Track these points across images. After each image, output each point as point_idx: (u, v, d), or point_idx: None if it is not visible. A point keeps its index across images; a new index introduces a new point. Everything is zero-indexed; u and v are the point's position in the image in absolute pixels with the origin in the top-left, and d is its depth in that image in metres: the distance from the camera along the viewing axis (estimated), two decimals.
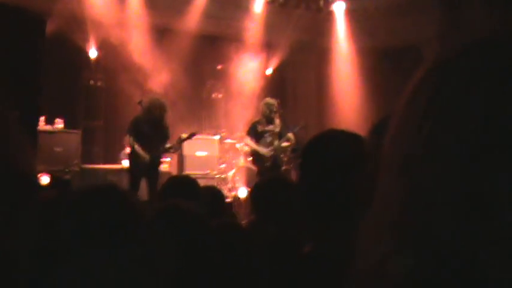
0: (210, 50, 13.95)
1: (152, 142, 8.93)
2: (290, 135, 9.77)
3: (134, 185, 8.85)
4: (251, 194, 3.81)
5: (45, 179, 8.65)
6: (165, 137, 9.11)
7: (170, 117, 9.28)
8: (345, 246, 1.75)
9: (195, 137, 11.56)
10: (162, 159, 9.43)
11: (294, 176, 9.13)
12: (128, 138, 9.05)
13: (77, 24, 12.13)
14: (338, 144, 1.94)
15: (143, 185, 9.00)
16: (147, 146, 8.89)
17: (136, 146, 8.87)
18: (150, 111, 8.94)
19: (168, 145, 9.08)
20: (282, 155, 10.00)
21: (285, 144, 9.74)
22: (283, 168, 10.04)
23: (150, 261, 1.40)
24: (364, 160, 1.85)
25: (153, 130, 8.92)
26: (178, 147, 9.38)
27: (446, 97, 0.63)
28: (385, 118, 1.56)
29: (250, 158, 10.38)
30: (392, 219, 0.64)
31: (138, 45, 12.80)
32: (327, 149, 1.93)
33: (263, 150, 9.67)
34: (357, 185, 1.84)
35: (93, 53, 12.90)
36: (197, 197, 3.62)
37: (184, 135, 9.58)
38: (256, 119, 9.91)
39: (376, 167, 1.59)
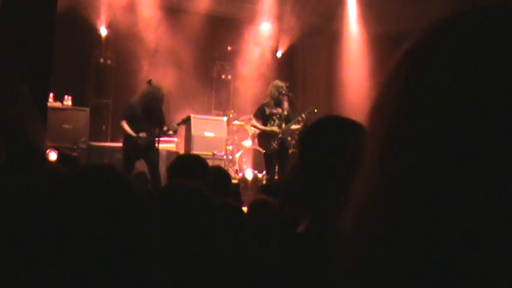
0: (221, 31, 13.91)
1: (147, 126, 8.97)
2: (303, 116, 9.70)
3: (127, 166, 8.86)
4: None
5: (53, 155, 8.70)
6: (160, 121, 9.15)
7: (167, 106, 9.35)
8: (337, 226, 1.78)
9: (204, 118, 11.61)
10: (161, 140, 9.39)
11: None
12: (122, 125, 9.03)
13: (88, 2, 12.13)
14: (336, 128, 2.00)
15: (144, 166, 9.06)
16: (142, 131, 8.92)
17: (130, 131, 8.89)
18: (146, 99, 8.98)
19: (164, 128, 9.11)
20: (289, 138, 10.00)
21: (294, 126, 9.68)
22: (291, 151, 10.03)
23: (144, 241, 1.41)
24: (359, 146, 1.92)
25: (148, 115, 8.96)
26: (175, 129, 9.35)
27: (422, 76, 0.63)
28: None
29: (258, 140, 10.36)
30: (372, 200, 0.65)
31: (148, 24, 12.78)
32: (325, 132, 2.00)
33: (270, 128, 9.57)
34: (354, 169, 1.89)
35: (103, 32, 12.90)
36: (206, 177, 3.63)
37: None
38: (265, 101, 9.87)
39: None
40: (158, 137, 9.06)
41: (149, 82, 9.15)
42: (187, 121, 9.50)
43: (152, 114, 8.97)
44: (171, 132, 9.29)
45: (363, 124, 1.95)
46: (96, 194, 1.38)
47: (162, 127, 9.11)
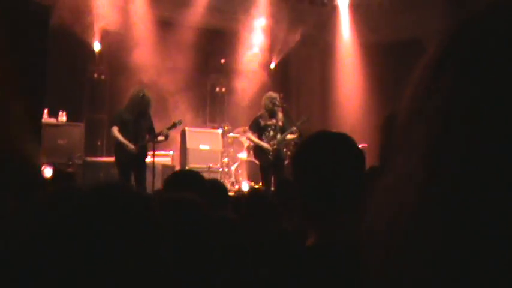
0: (214, 44, 13.95)
1: (138, 133, 8.96)
2: (295, 128, 9.72)
3: (124, 177, 8.85)
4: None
5: (48, 171, 8.67)
6: (150, 127, 9.14)
7: (154, 109, 9.33)
8: (347, 239, 1.79)
9: (199, 131, 11.59)
10: (149, 152, 9.35)
11: None
12: (112, 131, 9.03)
13: (81, 18, 12.14)
14: (328, 143, 2.09)
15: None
16: (132, 138, 8.91)
17: (121, 137, 8.87)
18: (134, 103, 8.98)
19: (153, 134, 9.07)
20: (285, 149, 10.00)
21: (289, 136, 9.69)
22: (286, 162, 10.03)
23: (156, 256, 1.41)
24: (353, 159, 2.02)
25: (138, 121, 8.95)
26: (166, 133, 9.27)
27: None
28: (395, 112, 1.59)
29: (253, 152, 10.37)
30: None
31: (141, 38, 12.80)
32: (318, 148, 2.08)
33: (265, 144, 9.65)
34: (357, 179, 1.93)
35: (97, 46, 12.90)
36: (203, 191, 3.61)
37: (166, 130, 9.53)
38: (259, 113, 9.89)
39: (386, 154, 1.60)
40: (151, 141, 9.02)
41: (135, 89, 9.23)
42: (178, 125, 9.42)
43: (141, 119, 8.97)
44: (162, 137, 9.21)
45: (350, 137, 2.07)
46: (117, 214, 1.38)
47: (152, 133, 9.10)
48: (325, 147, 2.06)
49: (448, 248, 0.58)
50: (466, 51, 0.63)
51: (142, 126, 9.00)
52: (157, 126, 9.28)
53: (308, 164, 2.05)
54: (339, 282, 1.69)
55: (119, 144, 8.94)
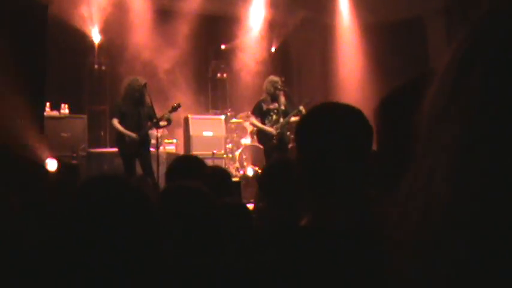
0: (214, 30, 13.91)
1: (138, 122, 8.96)
2: (301, 108, 9.66)
3: (128, 168, 8.88)
4: (260, 179, 3.80)
5: (52, 164, 8.68)
6: (150, 114, 9.14)
7: (156, 97, 9.32)
8: (342, 219, 1.77)
9: (201, 117, 11.59)
10: (152, 138, 9.36)
11: None
12: (113, 123, 9.04)
13: (79, 9, 12.11)
14: (333, 116, 1.93)
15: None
16: (134, 127, 8.92)
17: (122, 128, 8.89)
18: (129, 92, 8.98)
19: (154, 120, 9.08)
20: (288, 133, 9.99)
21: (293, 119, 9.65)
22: (290, 145, 10.02)
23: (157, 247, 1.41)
24: (360, 132, 1.88)
25: (137, 110, 8.96)
26: (168, 117, 9.25)
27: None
28: (393, 92, 1.56)
29: (256, 137, 10.36)
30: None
31: (141, 27, 12.77)
32: (323, 121, 1.92)
33: (268, 128, 9.65)
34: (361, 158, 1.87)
35: (96, 37, 12.88)
36: (204, 177, 3.62)
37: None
38: (261, 97, 9.88)
39: (382, 139, 1.58)
40: (154, 128, 9.03)
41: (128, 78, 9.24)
42: (177, 108, 9.39)
43: (140, 108, 8.98)
44: (164, 122, 9.21)
45: (358, 108, 1.93)
46: (113, 206, 1.38)
47: (153, 119, 9.09)
48: (329, 119, 1.90)
49: (478, 236, 0.58)
50: (495, 49, 0.61)
51: (142, 115, 9.00)
52: (160, 114, 9.27)
53: (309, 135, 1.91)
54: (334, 264, 1.67)
55: (120, 135, 8.96)
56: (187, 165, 3.91)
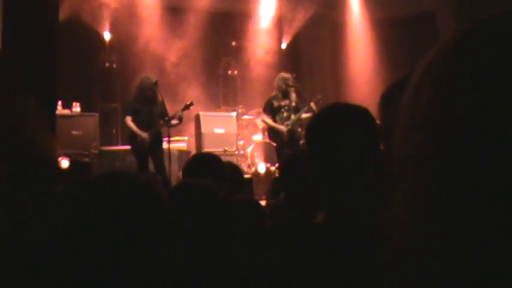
0: (224, 27, 13.92)
1: (150, 120, 8.98)
2: (312, 104, 9.65)
3: (142, 165, 8.91)
4: (282, 168, 3.78)
5: (64, 163, 8.72)
6: (162, 112, 9.15)
7: (168, 95, 9.33)
8: (356, 215, 1.78)
9: (213, 114, 11.61)
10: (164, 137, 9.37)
11: None
12: (126, 121, 9.07)
13: (90, 7, 12.14)
14: (342, 115, 1.99)
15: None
16: (146, 125, 8.94)
17: (134, 127, 8.92)
18: (141, 91, 9.00)
19: (166, 118, 9.09)
20: (299, 129, 9.97)
21: (305, 115, 9.63)
22: (301, 142, 10.00)
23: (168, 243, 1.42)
24: (369, 132, 1.92)
25: (149, 108, 8.98)
26: (180, 115, 9.24)
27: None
28: (391, 86, 1.57)
29: (268, 134, 10.36)
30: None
31: (151, 25, 12.79)
32: (332, 120, 1.98)
33: (279, 126, 9.64)
34: (366, 157, 1.89)
35: (107, 36, 12.92)
36: (222, 174, 3.61)
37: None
38: (272, 94, 9.87)
39: (384, 136, 1.58)
40: (166, 126, 9.04)
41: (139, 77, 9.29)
42: (190, 106, 9.40)
43: (152, 106, 9.00)
44: (176, 121, 9.21)
45: (367, 108, 1.97)
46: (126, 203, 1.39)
47: (164, 117, 9.11)
48: (339, 119, 1.96)
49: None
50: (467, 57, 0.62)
51: (154, 113, 9.01)
52: (172, 112, 9.28)
53: (320, 135, 1.96)
54: (344, 260, 1.68)
55: (132, 134, 8.99)
56: (204, 163, 3.90)
